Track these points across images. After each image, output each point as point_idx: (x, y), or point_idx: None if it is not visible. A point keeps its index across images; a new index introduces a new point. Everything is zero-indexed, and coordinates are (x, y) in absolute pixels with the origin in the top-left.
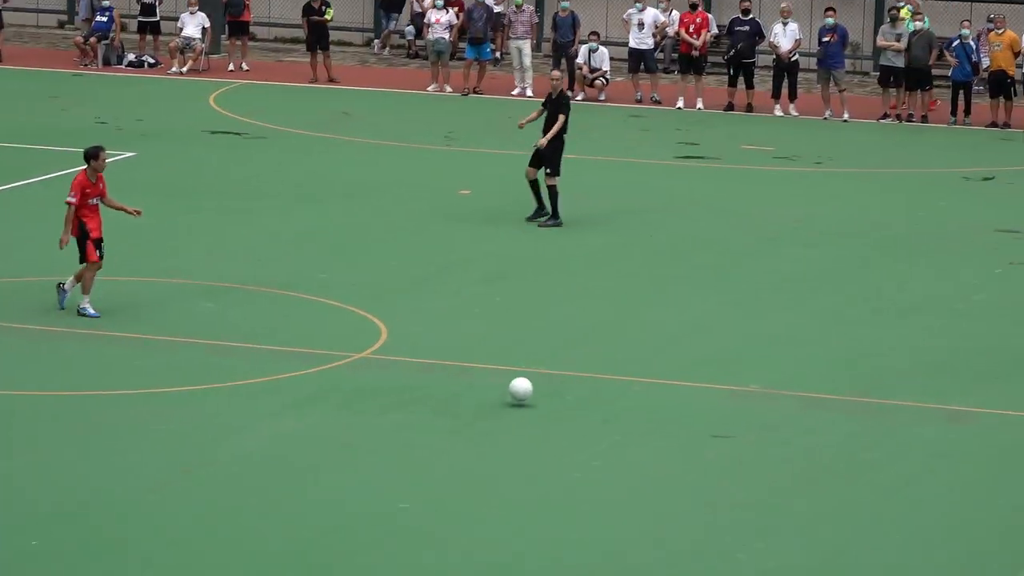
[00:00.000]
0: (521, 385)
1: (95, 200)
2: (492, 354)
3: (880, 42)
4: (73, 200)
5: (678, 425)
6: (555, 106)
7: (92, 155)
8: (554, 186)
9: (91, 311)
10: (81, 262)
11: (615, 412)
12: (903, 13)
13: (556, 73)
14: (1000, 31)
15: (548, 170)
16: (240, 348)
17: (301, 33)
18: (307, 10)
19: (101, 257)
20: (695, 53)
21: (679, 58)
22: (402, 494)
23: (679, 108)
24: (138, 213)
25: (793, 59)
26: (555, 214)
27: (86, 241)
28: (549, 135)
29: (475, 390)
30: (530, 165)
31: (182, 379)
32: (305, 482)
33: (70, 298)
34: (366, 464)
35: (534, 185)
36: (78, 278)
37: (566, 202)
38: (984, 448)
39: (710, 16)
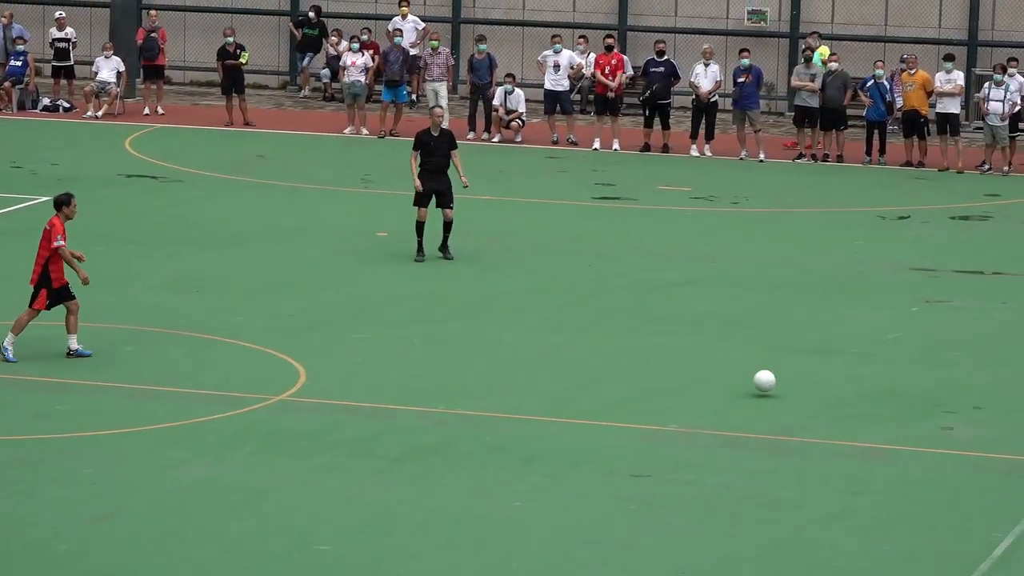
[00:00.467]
0: (765, 377)
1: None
2: (411, 396)
3: (795, 82)
4: (63, 242)
5: (597, 465)
6: (448, 142)
7: (64, 202)
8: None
9: (84, 350)
10: (32, 304)
11: (535, 453)
12: (818, 54)
13: (438, 110)
14: (912, 71)
15: (452, 204)
16: (159, 392)
17: (216, 76)
18: (222, 54)
19: (48, 308)
20: (611, 94)
21: (595, 99)
22: (321, 536)
23: (595, 149)
24: (85, 280)
25: (713, 100)
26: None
27: (43, 288)
28: (462, 172)
29: (395, 432)
30: (424, 206)
31: (100, 423)
32: (224, 525)
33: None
34: (285, 507)
35: (420, 227)
36: (18, 327)
37: (480, 243)
38: (899, 485)
39: (625, 58)
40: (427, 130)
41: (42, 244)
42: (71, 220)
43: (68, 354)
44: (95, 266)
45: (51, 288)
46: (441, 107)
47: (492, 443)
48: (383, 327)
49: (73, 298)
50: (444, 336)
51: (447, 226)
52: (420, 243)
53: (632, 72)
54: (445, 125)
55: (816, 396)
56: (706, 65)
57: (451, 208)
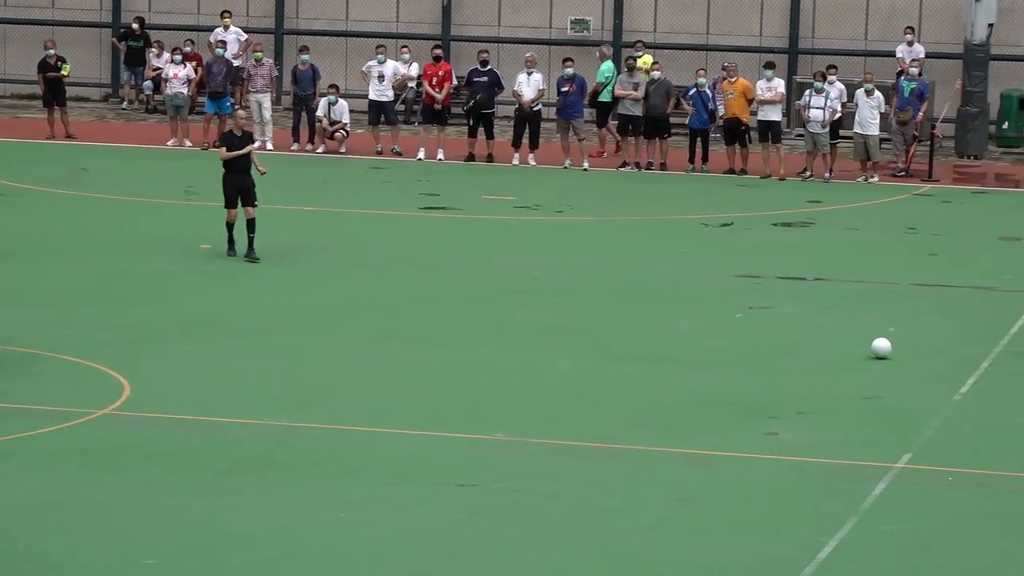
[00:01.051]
0: (882, 344)
1: None
2: (237, 408)
3: (618, 91)
4: None
5: (424, 475)
6: (247, 143)
7: None
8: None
9: None
10: None
11: (360, 463)
12: (641, 62)
13: (242, 112)
14: (733, 79)
15: (255, 203)
16: None
17: (37, 89)
18: (43, 66)
19: None
20: (438, 105)
21: (422, 110)
22: (147, 551)
23: (420, 159)
24: None
25: (536, 108)
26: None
27: None
28: (259, 164)
29: (220, 445)
30: (233, 207)
31: None
32: (47, 542)
33: None
34: (110, 522)
35: (231, 227)
36: None
37: (306, 254)
38: (725, 491)
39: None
40: (231, 131)
41: None
42: None
43: None
44: None
45: None
46: (244, 112)
47: (318, 454)
48: (209, 340)
49: None
50: (271, 348)
51: (251, 224)
52: (231, 239)
53: (456, 82)
54: (268, 137)
55: (642, 403)
56: (529, 74)
57: (254, 206)
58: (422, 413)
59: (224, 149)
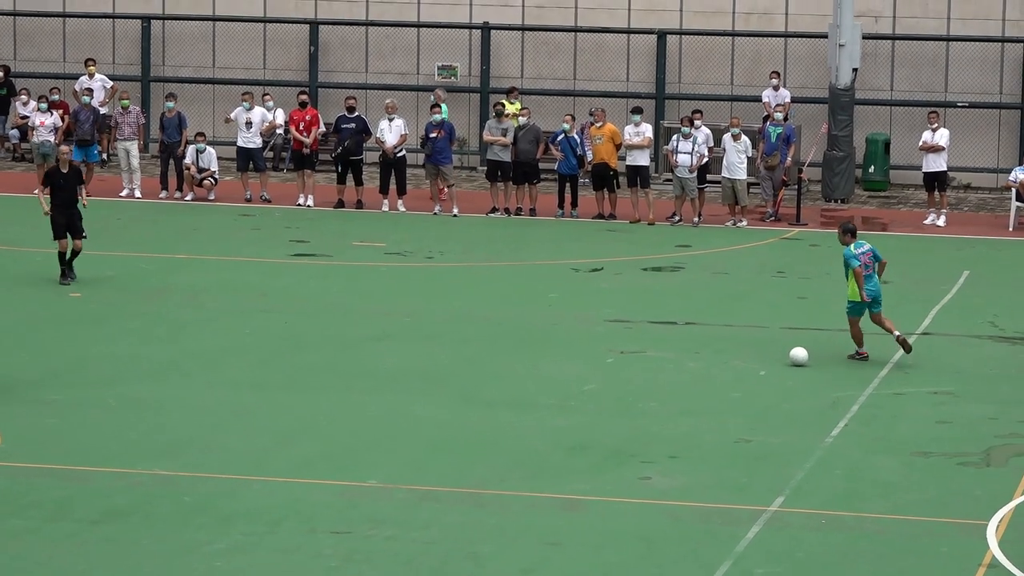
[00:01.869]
0: (799, 354)
1: None
2: (107, 457)
3: (487, 137)
4: None
5: (298, 522)
6: (76, 178)
7: None
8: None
9: None
10: None
11: (235, 511)
12: (510, 108)
13: (64, 148)
14: (600, 124)
15: (83, 236)
16: None
17: None
18: None
19: None
20: (306, 150)
21: (291, 156)
22: None
23: (298, 205)
24: None
25: (399, 154)
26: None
27: None
28: (84, 198)
29: (91, 494)
30: (63, 238)
31: None
32: None
33: None
34: None
35: (63, 256)
36: None
37: (174, 302)
38: (597, 536)
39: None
40: (56, 168)
41: None
42: None
43: None
44: None
45: None
46: (67, 148)
47: (190, 503)
48: (79, 388)
49: None
50: (139, 397)
51: (75, 253)
52: (63, 270)
53: (324, 128)
54: (136, 185)
55: (512, 449)
56: (390, 120)
57: (82, 239)
58: (294, 460)
59: (47, 188)
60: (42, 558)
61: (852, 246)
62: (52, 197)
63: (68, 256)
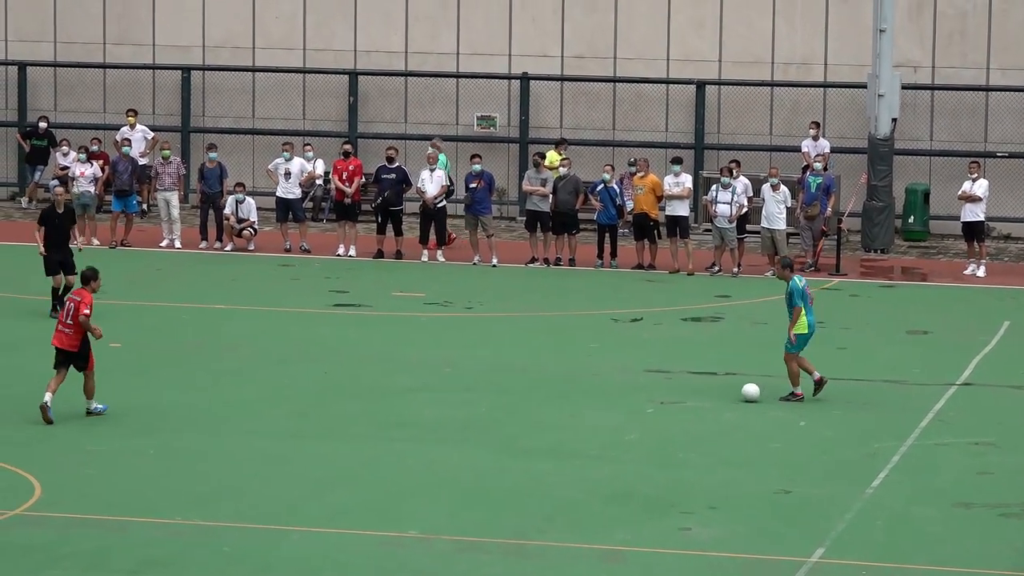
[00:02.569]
0: (751, 390)
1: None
2: (146, 507)
3: (526, 187)
4: (89, 312)
5: (335, 572)
6: (69, 219)
7: (93, 276)
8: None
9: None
10: (81, 369)
11: (272, 561)
12: (550, 158)
13: (59, 189)
14: (642, 175)
15: (74, 272)
16: None
17: None
18: None
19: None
20: (348, 200)
21: (333, 206)
22: None
23: (339, 255)
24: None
25: (439, 205)
26: None
27: (90, 351)
28: (78, 240)
29: (129, 544)
30: (56, 274)
31: None
32: None
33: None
34: None
35: (55, 292)
36: (90, 393)
37: (213, 352)
38: None
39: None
40: (52, 208)
41: (73, 315)
42: (95, 293)
43: (88, 412)
44: None
45: (63, 351)
46: (62, 188)
47: (229, 553)
48: (118, 438)
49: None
50: (178, 446)
51: (68, 289)
52: (55, 304)
53: (364, 179)
54: (176, 235)
55: (551, 498)
56: (431, 170)
57: (73, 275)
58: (332, 510)
59: (43, 228)
60: None
61: (796, 279)
62: (46, 236)
63: (60, 292)
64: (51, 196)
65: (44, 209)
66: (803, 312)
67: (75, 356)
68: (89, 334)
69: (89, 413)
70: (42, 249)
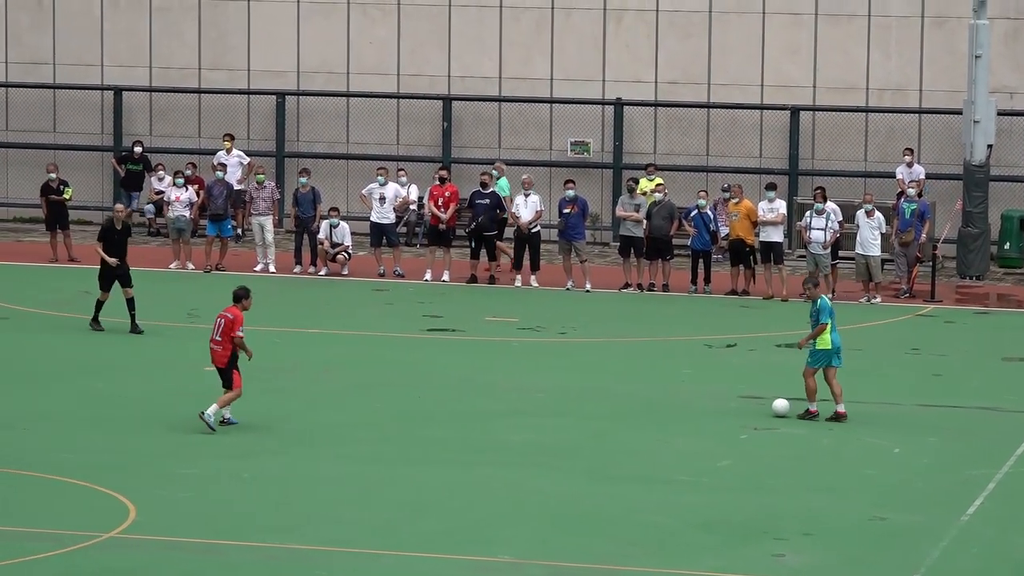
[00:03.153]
0: (780, 405)
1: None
2: (240, 530)
3: (619, 212)
4: (243, 334)
5: None
6: (126, 235)
7: (244, 296)
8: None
9: (213, 422)
10: (226, 386)
11: None
12: (643, 184)
13: (120, 207)
14: (737, 200)
15: (131, 285)
16: None
17: (40, 212)
18: (45, 189)
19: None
20: (443, 226)
21: (428, 231)
22: None
23: (427, 280)
24: (250, 356)
25: (534, 230)
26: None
27: (233, 369)
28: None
29: (224, 568)
30: (108, 289)
31: None
32: None
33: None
34: None
35: (100, 306)
36: (223, 403)
37: (306, 376)
38: None
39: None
40: (111, 224)
41: (223, 331)
42: (247, 311)
43: (200, 415)
44: None
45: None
46: (121, 207)
47: None
48: (210, 461)
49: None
50: (273, 470)
51: (131, 303)
52: (97, 316)
53: (458, 204)
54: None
55: (642, 524)
56: (526, 195)
57: (131, 287)
58: (424, 534)
59: (101, 243)
60: None
61: (825, 297)
62: (104, 248)
63: (127, 306)
64: (112, 213)
65: (104, 225)
66: (828, 329)
67: (221, 372)
68: (241, 352)
69: (224, 421)
70: (109, 260)
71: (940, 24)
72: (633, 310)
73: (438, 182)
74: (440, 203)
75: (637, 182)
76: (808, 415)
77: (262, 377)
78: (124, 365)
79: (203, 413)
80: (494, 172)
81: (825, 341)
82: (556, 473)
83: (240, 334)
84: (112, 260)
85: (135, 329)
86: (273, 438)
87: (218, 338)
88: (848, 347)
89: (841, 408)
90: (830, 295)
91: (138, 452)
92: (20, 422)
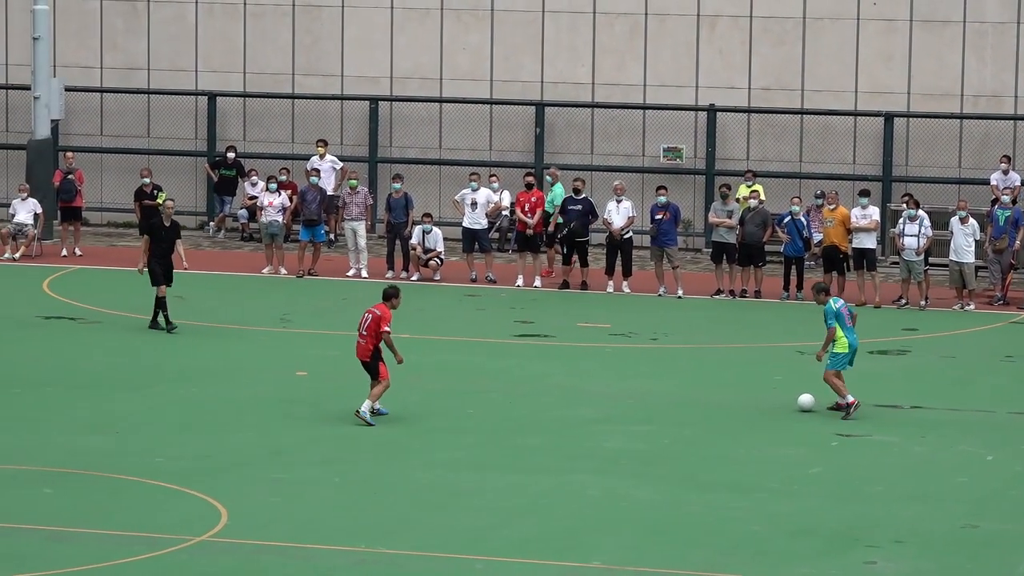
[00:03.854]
0: (806, 400)
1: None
2: (331, 535)
3: (712, 219)
4: (389, 330)
5: None
6: (175, 232)
7: (393, 295)
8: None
9: (369, 417)
10: (374, 378)
11: None
12: (741, 190)
13: (169, 203)
14: (832, 207)
15: (170, 283)
16: (76, 534)
17: (134, 217)
18: (139, 194)
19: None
20: (530, 232)
21: (516, 237)
22: None
23: (518, 287)
24: (400, 361)
25: (626, 236)
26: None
27: (379, 363)
28: (183, 256)
29: (315, 572)
30: (160, 284)
31: (18, 566)
32: None
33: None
34: None
35: (160, 302)
36: (374, 397)
37: (398, 382)
38: None
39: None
40: (160, 222)
41: (370, 327)
42: (395, 310)
43: (356, 413)
44: (13, 407)
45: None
46: (171, 203)
47: None
48: (302, 467)
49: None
50: (362, 475)
51: (162, 301)
52: (158, 314)
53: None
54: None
55: (734, 532)
56: (618, 201)
57: (169, 285)
58: (515, 540)
59: (147, 237)
60: None
61: (832, 302)
62: (152, 248)
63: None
64: (161, 209)
65: (152, 222)
66: (840, 332)
67: (366, 365)
68: (385, 347)
69: (375, 412)
70: (143, 262)
71: None
72: (725, 316)
73: (525, 188)
74: (527, 208)
75: (730, 188)
76: (848, 408)
77: (354, 384)
78: (217, 370)
79: (358, 411)
80: (548, 178)
81: (843, 344)
82: (648, 480)
83: (387, 330)
84: (140, 266)
85: (163, 325)
86: (365, 443)
87: (364, 332)
88: (941, 354)
89: (850, 398)
90: (923, 302)
91: (230, 457)
92: (115, 427)
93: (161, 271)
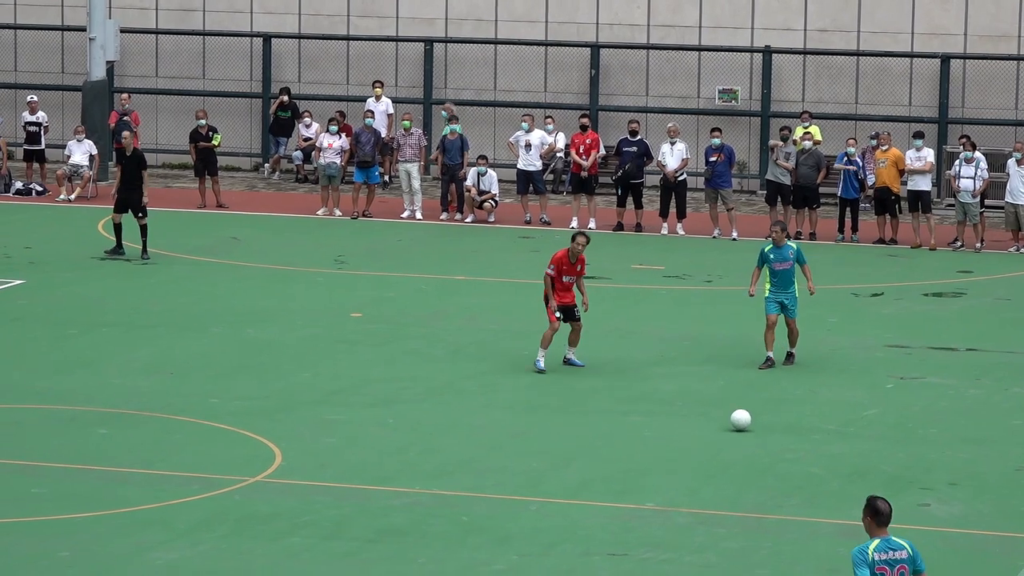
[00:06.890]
0: (741, 417)
1: (569, 279)
2: (385, 476)
3: (780, 162)
4: (551, 272)
5: (573, 545)
6: (135, 162)
7: (573, 237)
8: (146, 224)
9: (541, 365)
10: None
11: (511, 532)
12: (797, 132)
13: (126, 133)
14: (885, 148)
15: (140, 214)
16: (133, 474)
17: (189, 159)
18: (194, 136)
19: (559, 320)
20: (584, 174)
21: (570, 179)
22: None
23: (573, 228)
24: (586, 308)
25: (680, 178)
26: (144, 249)
27: (546, 307)
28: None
29: (368, 513)
30: (116, 212)
31: (74, 506)
32: None
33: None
34: None
35: (119, 228)
36: (545, 341)
37: (453, 324)
38: None
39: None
40: (122, 151)
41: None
42: (576, 254)
43: (565, 361)
44: (69, 349)
45: (552, 306)
46: (127, 133)
47: (467, 523)
48: (356, 408)
49: (577, 320)
50: (417, 417)
51: (143, 229)
52: (119, 240)
53: (605, 151)
54: (417, 207)
55: (790, 474)
56: (672, 144)
57: (140, 217)
58: (570, 483)
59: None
60: None
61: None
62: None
63: (140, 234)
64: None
65: (117, 151)
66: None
67: (564, 310)
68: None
69: (566, 361)
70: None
71: None
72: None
73: (580, 130)
74: (581, 151)
75: (790, 130)
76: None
77: (409, 324)
78: (273, 311)
79: (566, 358)
80: (444, 113)
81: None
82: (703, 422)
83: (549, 271)
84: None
85: (115, 252)
86: (419, 385)
87: (549, 271)
88: (996, 297)
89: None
90: (979, 244)
91: (285, 398)
92: (170, 367)
93: (123, 198)
